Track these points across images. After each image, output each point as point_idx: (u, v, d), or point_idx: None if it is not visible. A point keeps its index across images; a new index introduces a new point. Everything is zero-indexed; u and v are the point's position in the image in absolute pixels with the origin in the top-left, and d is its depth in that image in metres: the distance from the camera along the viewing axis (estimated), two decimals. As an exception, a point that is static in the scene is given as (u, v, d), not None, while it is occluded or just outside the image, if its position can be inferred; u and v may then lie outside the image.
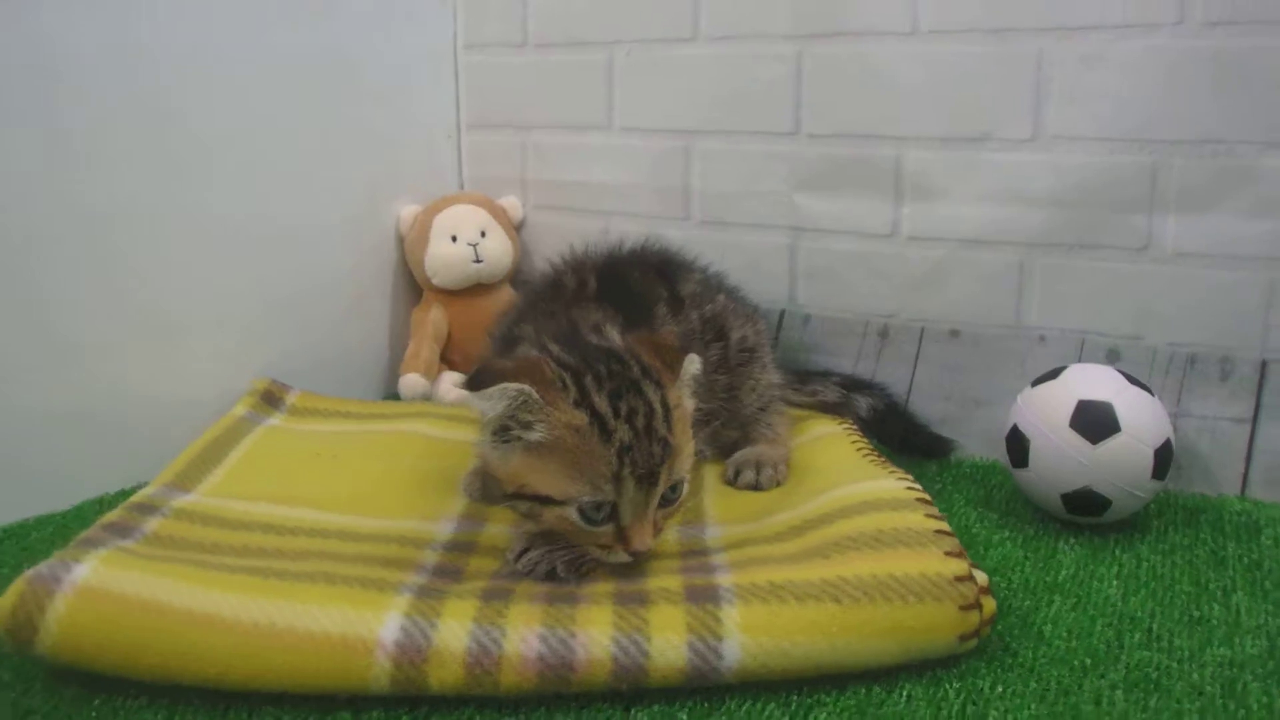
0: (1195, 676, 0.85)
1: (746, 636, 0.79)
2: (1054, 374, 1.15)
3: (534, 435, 0.86)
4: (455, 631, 0.78)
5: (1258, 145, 1.13)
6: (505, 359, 0.96)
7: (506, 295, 1.65)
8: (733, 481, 1.16)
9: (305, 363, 1.45)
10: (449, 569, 0.94)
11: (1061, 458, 1.08)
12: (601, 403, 0.86)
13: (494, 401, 0.86)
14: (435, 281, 1.60)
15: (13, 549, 1.06)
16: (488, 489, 1.10)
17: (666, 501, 0.89)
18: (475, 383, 0.86)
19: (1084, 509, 1.09)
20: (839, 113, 1.37)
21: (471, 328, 1.61)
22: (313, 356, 1.47)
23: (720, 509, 1.09)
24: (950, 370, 1.36)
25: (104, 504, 1.17)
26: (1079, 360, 1.27)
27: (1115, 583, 1.01)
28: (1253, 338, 1.18)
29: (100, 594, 0.80)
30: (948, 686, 0.83)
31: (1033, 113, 1.24)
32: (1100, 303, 1.25)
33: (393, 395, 1.62)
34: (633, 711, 0.79)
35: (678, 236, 1.52)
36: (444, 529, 1.04)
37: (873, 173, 1.36)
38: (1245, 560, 1.06)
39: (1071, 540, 1.10)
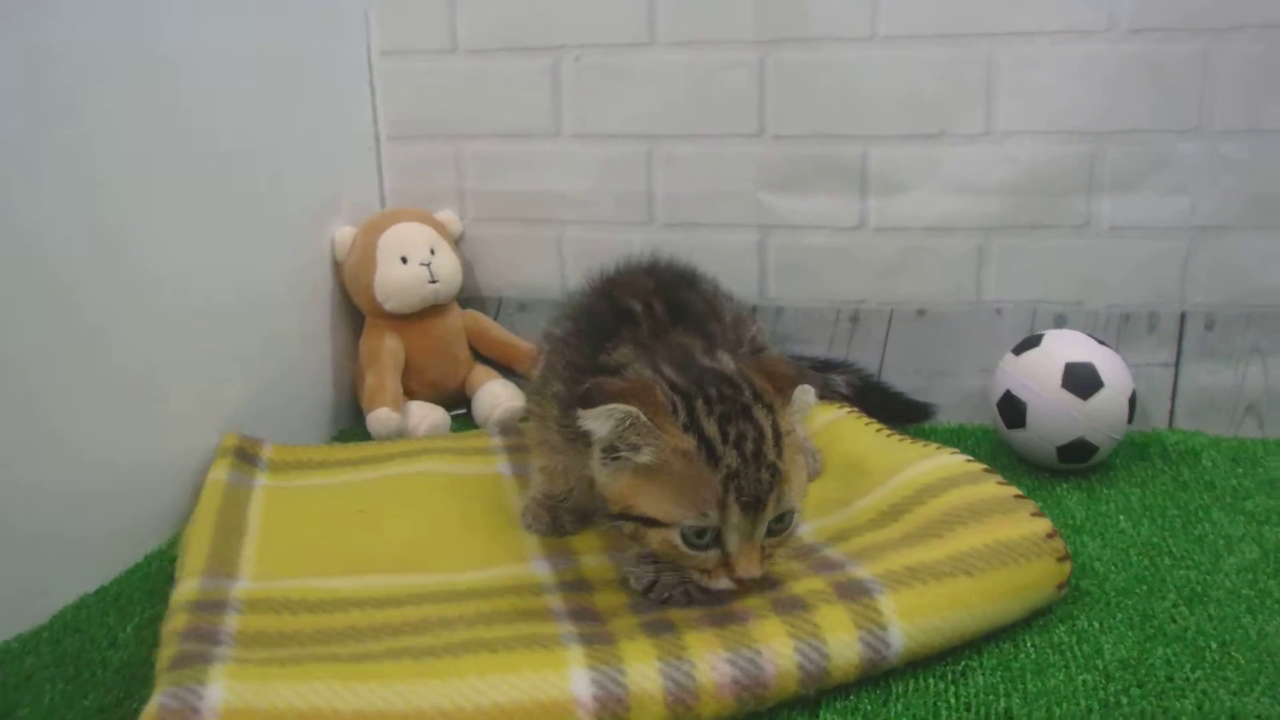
0: (1228, 584, 1.02)
1: (905, 621, 0.84)
2: (1034, 342, 1.31)
3: (642, 458, 0.87)
4: (645, 673, 0.77)
5: (1173, 134, 1.35)
6: (615, 380, 0.93)
7: (456, 315, 1.60)
8: None
9: (252, 409, 1.33)
10: (584, 611, 0.91)
11: (1057, 415, 1.25)
12: (711, 427, 0.86)
13: (601, 421, 0.86)
14: (389, 307, 1.52)
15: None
16: (556, 519, 1.09)
17: (774, 531, 0.87)
18: (587, 401, 0.86)
19: (1076, 457, 1.26)
20: (803, 114, 1.45)
21: (428, 352, 1.55)
22: (257, 402, 1.35)
23: None
24: (918, 347, 1.50)
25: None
26: (1031, 327, 1.46)
27: (1121, 518, 1.19)
28: (1172, 295, 1.41)
29: (252, 714, 0.73)
30: (1058, 632, 0.94)
31: (985, 110, 1.40)
32: (1049, 276, 1.44)
33: (348, 435, 1.53)
34: (821, 714, 0.82)
35: (641, 241, 1.53)
36: (540, 569, 1.02)
37: (839, 170, 1.46)
38: (1202, 481, 1.27)
39: (1064, 486, 1.27)
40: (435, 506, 1.17)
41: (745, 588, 0.87)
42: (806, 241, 1.50)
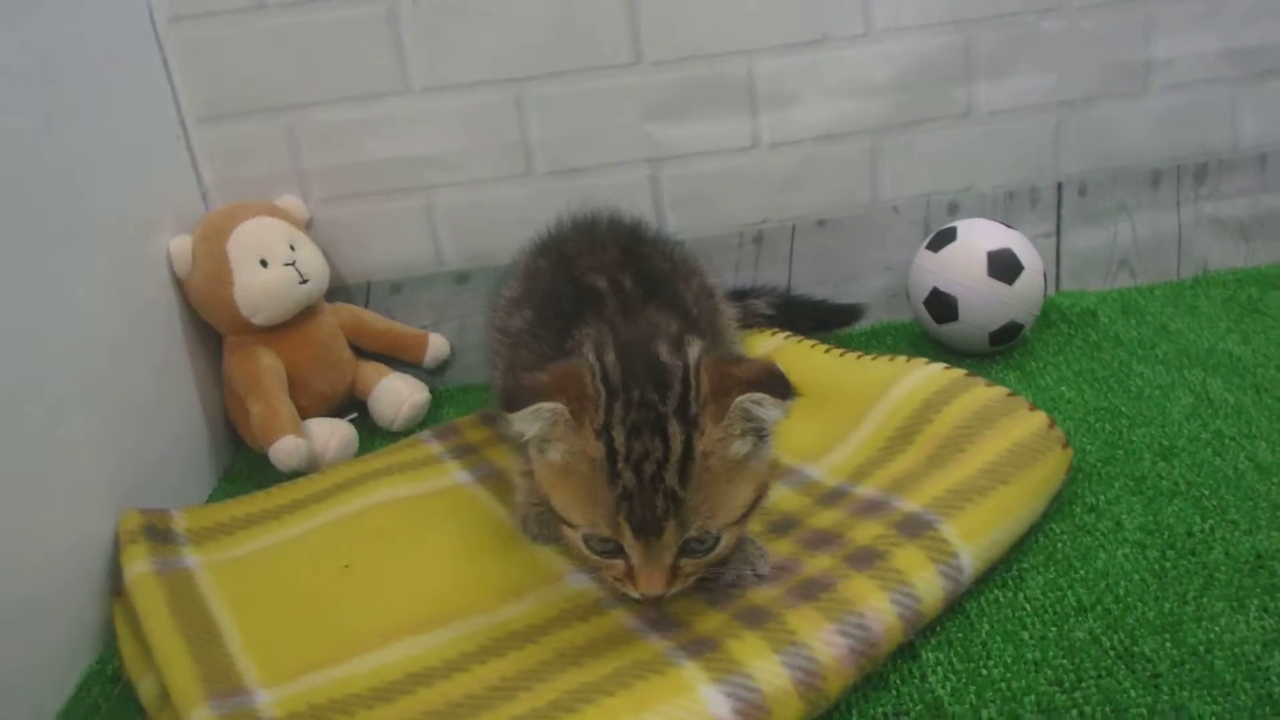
0: (1185, 433, 1.11)
1: (970, 544, 0.87)
2: (949, 236, 1.35)
3: (552, 455, 0.82)
4: (770, 671, 0.75)
5: (1037, 14, 1.40)
6: (538, 375, 0.84)
7: (329, 313, 1.42)
8: None
9: (119, 476, 1.11)
10: (662, 619, 0.86)
11: (987, 303, 1.30)
12: (619, 438, 0.78)
13: (529, 422, 0.80)
14: (257, 320, 1.32)
15: None
16: (542, 521, 1.01)
17: (694, 551, 0.81)
18: (512, 403, 0.80)
19: (1005, 339, 1.34)
20: (681, 36, 1.37)
21: (310, 362, 1.38)
22: (122, 466, 1.12)
23: (781, 447, 1.10)
24: (823, 256, 1.50)
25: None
26: (926, 220, 1.50)
27: (1063, 388, 1.27)
28: (1048, 169, 1.49)
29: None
30: (1076, 513, 1.00)
31: (862, 9, 1.38)
32: (938, 167, 1.47)
33: (237, 475, 1.34)
34: (922, 654, 0.84)
35: (521, 194, 1.44)
36: (582, 583, 0.94)
37: (725, 90, 1.40)
38: (1109, 338, 1.38)
39: (998, 367, 1.34)
40: (422, 541, 1.04)
41: (650, 603, 0.83)
42: (700, 169, 1.44)
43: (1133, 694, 0.77)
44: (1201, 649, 0.80)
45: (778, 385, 0.79)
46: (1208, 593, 0.87)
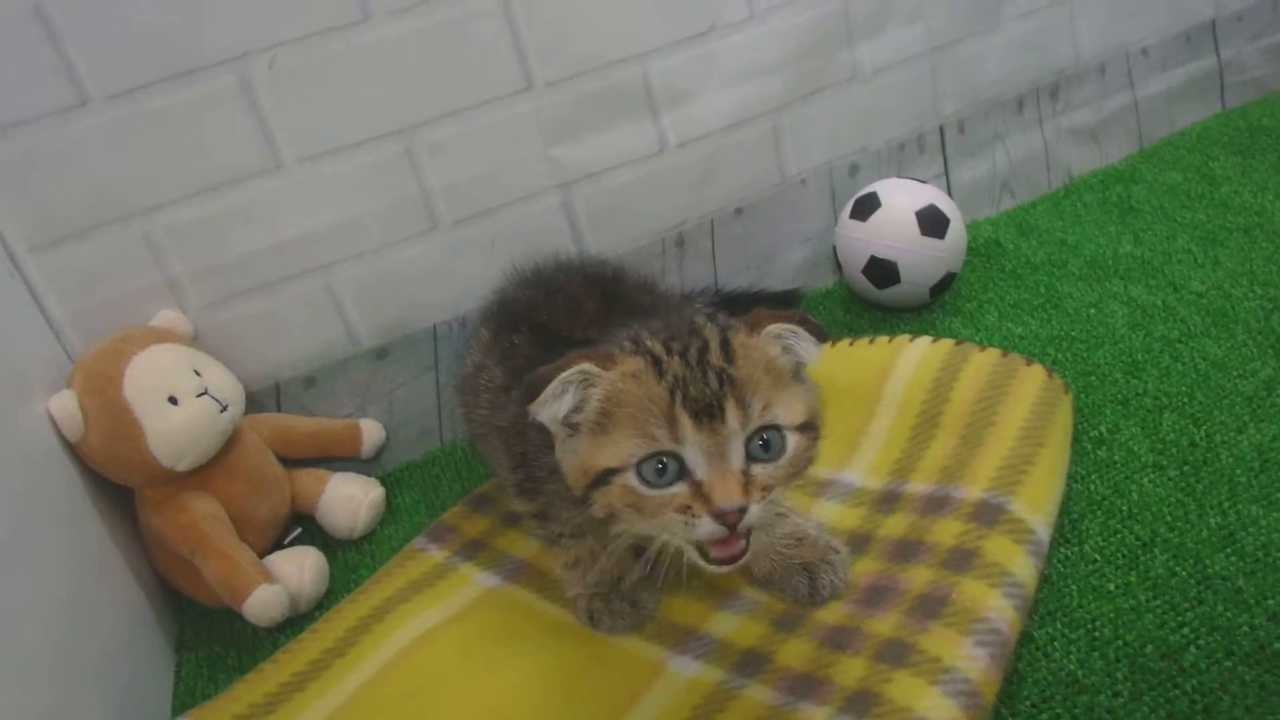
0: (1138, 347, 1.21)
1: (1039, 514, 0.91)
2: (873, 203, 1.39)
3: (593, 405, 0.80)
4: (938, 705, 0.76)
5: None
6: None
7: (249, 431, 1.27)
8: None
9: (64, 683, 0.95)
10: (798, 681, 0.83)
11: (925, 260, 1.37)
12: (655, 345, 0.80)
13: (559, 399, 0.79)
14: (183, 466, 1.16)
15: None
16: (635, 602, 0.97)
17: (760, 458, 0.78)
18: (532, 392, 0.79)
19: (942, 290, 1.41)
20: (570, 51, 1.30)
21: (246, 493, 1.22)
22: (67, 676, 0.95)
23: None
24: (742, 243, 1.51)
25: None
26: (830, 186, 1.53)
27: (1008, 324, 1.34)
28: (930, 114, 1.56)
29: None
30: (1087, 448, 1.07)
31: (743, -7, 1.37)
32: (834, 133, 1.50)
33: (191, 641, 1.19)
34: (1030, 632, 0.87)
35: (429, 251, 1.34)
36: (688, 668, 0.89)
37: (624, 98, 1.35)
38: (1022, 264, 1.49)
39: (939, 317, 1.41)
40: (495, 669, 0.96)
41: (733, 524, 0.75)
42: (612, 183, 1.39)
43: (1229, 615, 0.83)
44: (1261, 554, 0.87)
45: (812, 325, 0.82)
46: (1239, 500, 0.95)
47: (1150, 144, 1.73)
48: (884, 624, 0.85)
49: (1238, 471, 0.99)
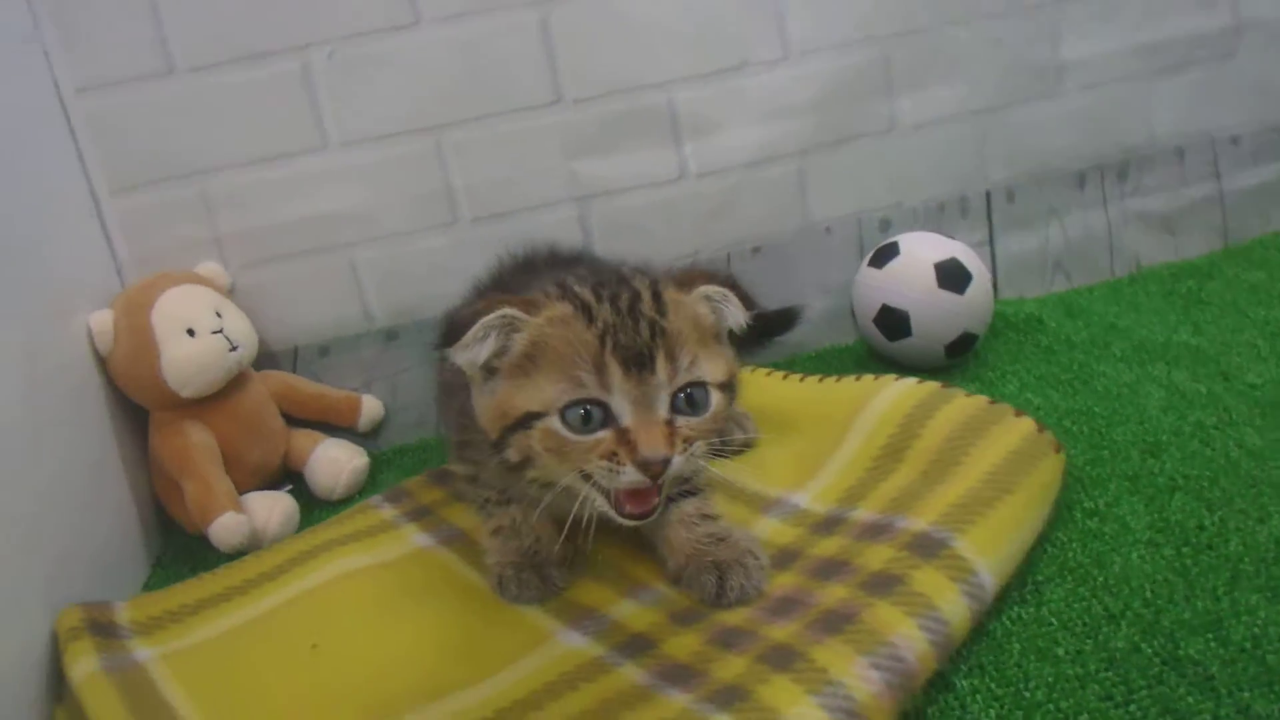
0: (1167, 427, 1.12)
1: (986, 559, 0.85)
2: (892, 251, 1.38)
3: (516, 349, 0.81)
4: (811, 715, 0.72)
5: (946, 24, 1.48)
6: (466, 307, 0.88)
7: (258, 381, 1.42)
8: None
9: (41, 574, 1.07)
10: (675, 671, 0.83)
11: (940, 314, 1.33)
12: (584, 292, 0.82)
13: (480, 343, 0.81)
14: (186, 393, 1.31)
15: None
16: (544, 576, 0.99)
17: (685, 412, 0.80)
18: (452, 335, 0.81)
19: (960, 350, 1.37)
20: (600, 71, 1.42)
21: (242, 434, 1.37)
22: (44, 562, 1.08)
23: (761, 478, 1.12)
24: (759, 283, 1.52)
25: None
26: (859, 238, 1.54)
27: (1028, 395, 1.28)
28: (976, 177, 1.56)
29: None
30: (1078, 519, 0.99)
31: (779, 33, 1.44)
32: (866, 184, 1.53)
33: (170, 561, 1.31)
34: (957, 682, 0.81)
35: (446, 244, 1.46)
36: (576, 641, 0.91)
37: (648, 122, 1.44)
38: (1061, 341, 1.42)
39: (956, 380, 1.35)
40: (391, 611, 1.01)
41: (656, 475, 0.77)
42: (629, 203, 1.47)
43: (1190, 700, 0.75)
44: (1249, 645, 0.79)
45: (741, 292, 0.86)
46: (1238, 586, 0.84)
47: (1237, 241, 1.63)
48: (780, 631, 0.83)
49: (1245, 560, 0.89)
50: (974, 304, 1.34)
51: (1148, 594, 0.87)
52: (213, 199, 1.41)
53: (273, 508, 1.31)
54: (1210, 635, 0.81)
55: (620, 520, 0.82)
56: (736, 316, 0.87)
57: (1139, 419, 1.16)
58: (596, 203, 1.47)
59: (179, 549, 1.33)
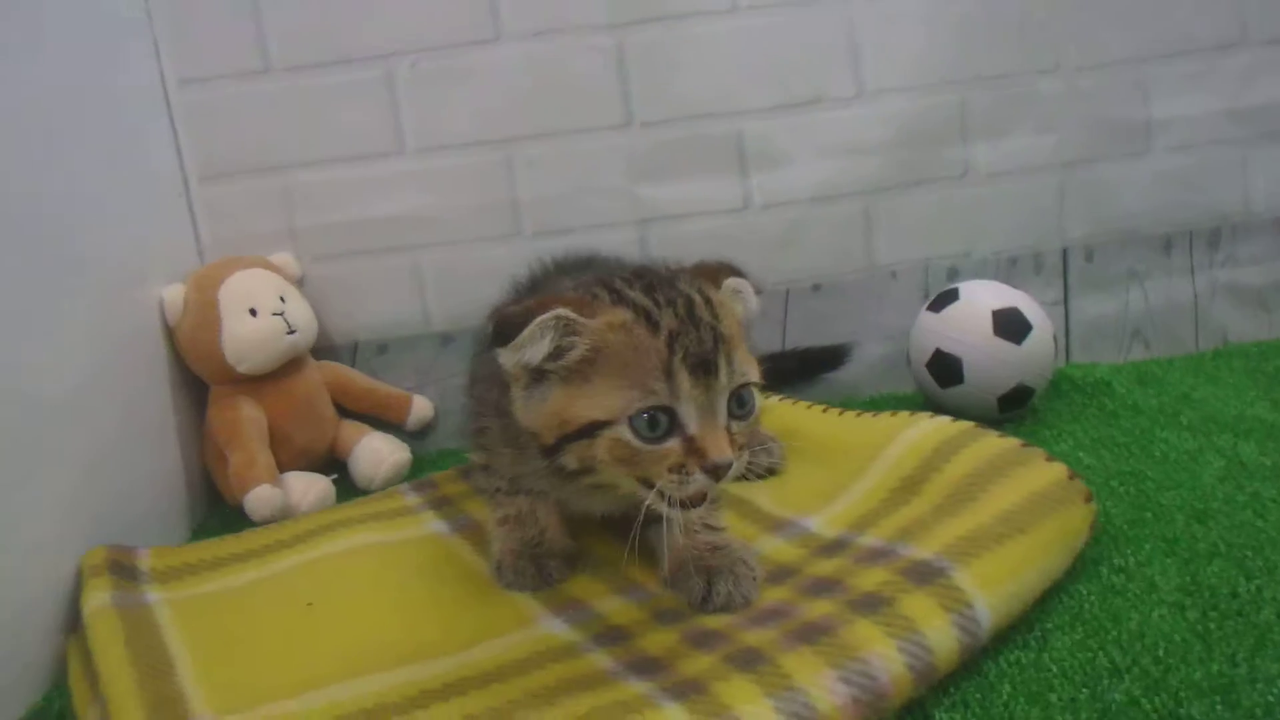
0: (1220, 494, 1.06)
1: (987, 594, 0.82)
2: (951, 296, 1.35)
3: (574, 354, 0.80)
4: (757, 706, 0.72)
5: (1033, 74, 1.45)
6: (521, 303, 0.86)
7: (314, 369, 1.47)
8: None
9: (86, 523, 1.14)
10: (645, 663, 0.83)
11: (994, 364, 1.29)
12: (640, 297, 0.81)
13: (535, 344, 0.79)
14: (242, 368, 1.37)
15: None
16: (541, 567, 1.00)
17: (736, 415, 0.81)
18: (505, 332, 0.79)
19: (1015, 404, 1.32)
20: (670, 97, 1.45)
21: (292, 416, 1.43)
22: (90, 513, 1.15)
23: (778, 501, 1.12)
24: (818, 322, 1.53)
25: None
26: (925, 285, 1.51)
27: (1081, 454, 1.22)
28: (1052, 233, 1.51)
29: None
30: (1103, 574, 0.94)
31: (853, 71, 1.45)
32: (935, 230, 1.50)
33: (208, 529, 1.37)
34: (933, 713, 0.79)
35: (507, 255, 1.49)
36: (557, 628, 0.92)
37: (715, 150, 1.46)
38: (1127, 407, 1.36)
39: (1010, 434, 1.31)
40: (391, 584, 1.05)
41: (722, 479, 0.79)
42: (690, 229, 1.49)
43: None
44: (1259, 712, 0.74)
45: (747, 276, 0.88)
46: (1261, 654, 0.80)
47: (1342, 324, 1.53)
48: (754, 637, 0.82)
49: (1276, 629, 0.84)
50: (1032, 356, 1.29)
51: (1160, 652, 0.82)
52: (292, 193, 1.49)
53: (309, 488, 1.36)
54: (1219, 698, 0.76)
55: (673, 512, 0.82)
56: (753, 304, 0.88)
57: (1192, 485, 1.11)
58: (657, 226, 1.49)
59: (218, 521, 1.39)
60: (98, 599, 1.02)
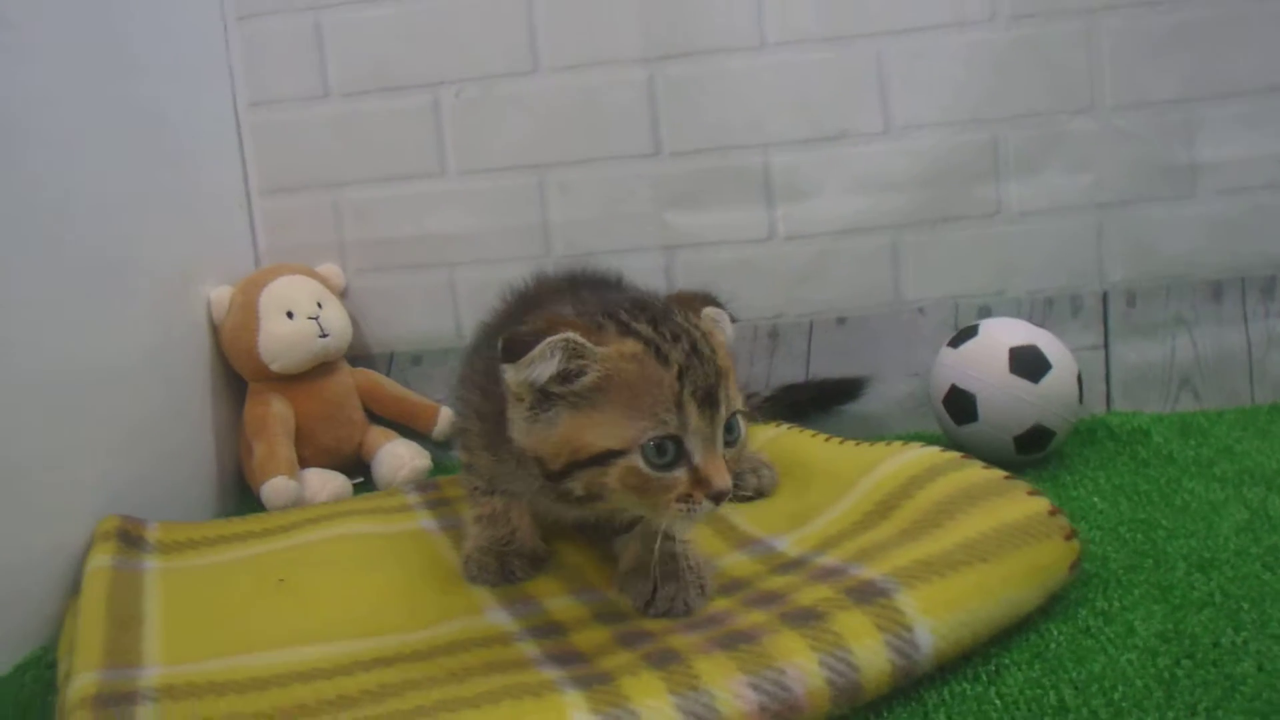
0: (1232, 546, 0.99)
1: (931, 618, 0.80)
2: (971, 332, 1.33)
3: (586, 380, 0.81)
4: (662, 712, 0.71)
5: (1067, 113, 1.43)
6: (529, 324, 0.87)
7: (347, 374, 1.56)
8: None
9: (125, 495, 1.24)
10: (567, 654, 0.86)
11: (1009, 402, 1.25)
12: (647, 330, 0.83)
13: (542, 363, 0.81)
14: (275, 367, 1.47)
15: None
16: (505, 565, 1.03)
17: (728, 442, 0.84)
18: (513, 351, 0.81)
19: (1033, 446, 1.26)
20: (700, 128, 1.50)
21: (320, 416, 1.51)
22: (131, 487, 1.26)
23: (756, 521, 1.12)
24: (842, 356, 1.52)
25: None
26: (955, 324, 1.49)
27: (1096, 499, 1.16)
28: (1091, 274, 1.47)
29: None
30: (1080, 615, 0.90)
31: (881, 107, 1.46)
32: (966, 268, 1.49)
33: (232, 511, 1.45)
34: None
35: (539, 276, 1.54)
36: (500, 619, 0.95)
37: (742, 181, 1.50)
38: (1160, 456, 1.28)
39: (1027, 478, 1.26)
40: (364, 568, 1.10)
41: (721, 504, 0.82)
42: (715, 258, 1.52)
43: None
44: None
45: (726, 309, 0.91)
46: (1225, 705, 0.75)
47: None
48: (679, 640, 0.83)
49: (1250, 680, 0.79)
50: (1050, 396, 1.25)
51: (1115, 695, 0.78)
52: (342, 208, 1.60)
53: (325, 484, 1.43)
54: (1163, 748, 0.71)
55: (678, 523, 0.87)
56: (730, 332, 0.91)
57: (1205, 534, 1.05)
58: (683, 253, 1.52)
59: (244, 510, 1.46)
60: (99, 561, 1.10)
